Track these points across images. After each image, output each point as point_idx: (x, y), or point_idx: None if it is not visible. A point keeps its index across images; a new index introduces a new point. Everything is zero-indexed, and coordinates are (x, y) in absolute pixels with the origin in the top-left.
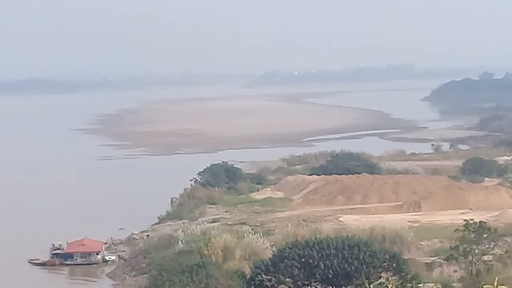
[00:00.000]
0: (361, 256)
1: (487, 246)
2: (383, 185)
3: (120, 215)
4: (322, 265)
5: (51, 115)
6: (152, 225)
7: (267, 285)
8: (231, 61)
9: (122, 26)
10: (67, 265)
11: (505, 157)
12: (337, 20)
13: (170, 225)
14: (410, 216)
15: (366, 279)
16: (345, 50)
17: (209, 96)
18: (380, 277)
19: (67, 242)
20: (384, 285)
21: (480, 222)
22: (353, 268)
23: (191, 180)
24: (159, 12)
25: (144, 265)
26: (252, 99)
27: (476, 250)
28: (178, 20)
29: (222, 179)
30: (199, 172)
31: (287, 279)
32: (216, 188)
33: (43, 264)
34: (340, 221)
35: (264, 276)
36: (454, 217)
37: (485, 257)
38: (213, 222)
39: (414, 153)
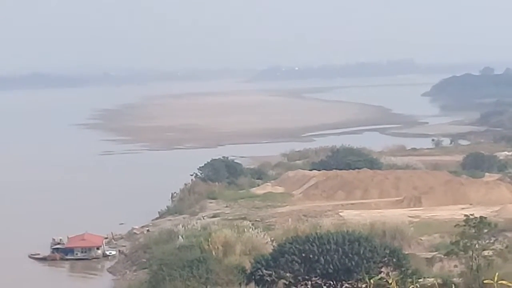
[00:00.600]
0: (362, 251)
1: (487, 241)
2: (383, 180)
3: (120, 210)
4: (323, 260)
5: (52, 110)
6: (152, 220)
7: (267, 280)
8: (232, 56)
9: (124, 21)
10: (67, 259)
11: (506, 152)
12: (337, 15)
13: (170, 220)
14: (411, 211)
15: (366, 274)
16: (345, 45)
17: (210, 91)
18: (380, 272)
19: (68, 237)
20: (385, 280)
21: (481, 217)
22: (353, 263)
23: (191, 175)
24: (160, 7)
25: (144, 260)
26: (253, 94)
27: (477, 245)
28: (180, 15)
29: (223, 174)
30: (200, 167)
31: (287, 274)
32: (216, 183)
33: (43, 259)
34: (341, 216)
35: (264, 271)
36: (455, 212)
37: (486, 252)
38: (213, 217)
39: (415, 148)
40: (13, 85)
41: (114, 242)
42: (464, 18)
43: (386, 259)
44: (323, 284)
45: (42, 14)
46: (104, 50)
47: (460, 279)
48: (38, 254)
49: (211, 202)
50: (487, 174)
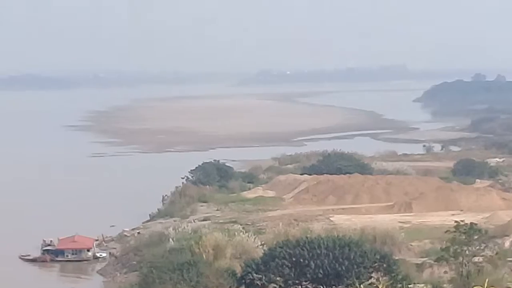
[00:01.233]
0: (352, 256)
1: (477, 247)
2: (374, 185)
3: (111, 212)
4: (313, 265)
5: (42, 112)
6: (143, 223)
7: (257, 284)
8: (223, 59)
9: (114, 24)
10: (58, 261)
11: (497, 159)
12: (329, 20)
13: (161, 222)
14: (401, 217)
15: (357, 279)
16: (337, 50)
17: (201, 94)
18: (370, 277)
19: (58, 239)
20: (375, 285)
21: (471, 223)
22: (343, 268)
23: (182, 178)
24: (150, 10)
25: (135, 263)
26: (244, 97)
27: (467, 252)
28: (170, 18)
29: (214, 178)
30: (191, 170)
31: (277, 278)
32: (207, 186)
33: (34, 260)
34: (331, 220)
35: (254, 275)
36: (445, 218)
37: (476, 259)
38: (204, 220)
39: (406, 153)
40: (2, 86)
41: (105, 244)
42: (456, 25)
43: (376, 264)
44: None
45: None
46: (94, 52)
47: (450, 285)
48: (29, 255)
49: (202, 206)
50: (477, 180)
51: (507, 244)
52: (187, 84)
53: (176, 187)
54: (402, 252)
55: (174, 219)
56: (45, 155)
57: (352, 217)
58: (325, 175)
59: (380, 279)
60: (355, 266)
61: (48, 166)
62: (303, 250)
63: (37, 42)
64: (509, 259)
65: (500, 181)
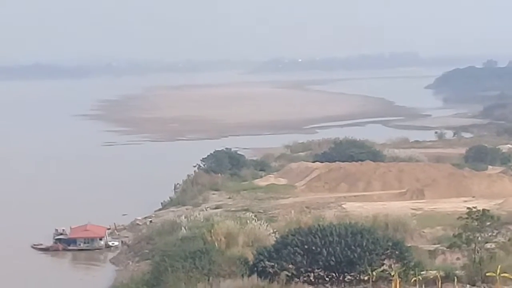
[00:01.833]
0: (364, 243)
1: (490, 234)
2: (386, 172)
3: (123, 201)
4: (325, 252)
5: (55, 101)
6: (155, 211)
7: (269, 272)
8: (235, 47)
9: (126, 12)
10: (70, 250)
11: (509, 145)
12: (341, 7)
13: (173, 211)
14: (413, 204)
15: (369, 266)
16: (348, 37)
17: (213, 83)
18: (383, 264)
19: (71, 228)
20: (387, 272)
21: (483, 210)
22: (356, 255)
23: (194, 166)
24: None
25: (147, 251)
26: (256, 85)
27: (479, 238)
28: (183, 7)
29: (226, 166)
30: (203, 158)
31: (289, 266)
32: (219, 174)
33: (46, 249)
34: (343, 208)
35: (267, 262)
36: (457, 205)
37: (488, 245)
38: (216, 208)
39: (418, 140)
40: (14, 75)
41: (117, 233)
42: (467, 11)
43: (388, 251)
44: (325, 276)
45: (44, 5)
46: (106, 41)
47: (463, 271)
48: (41, 244)
49: (214, 194)
50: (490, 167)
51: None
52: (199, 72)
53: (188, 176)
54: (414, 239)
55: (186, 207)
56: (57, 144)
57: (364, 204)
58: (337, 162)
59: (393, 266)
60: (367, 253)
61: (60, 155)
62: (315, 237)
63: (50, 31)
64: None
65: None
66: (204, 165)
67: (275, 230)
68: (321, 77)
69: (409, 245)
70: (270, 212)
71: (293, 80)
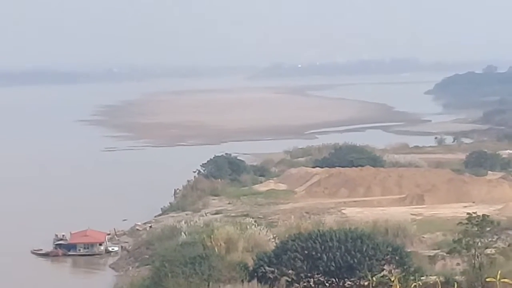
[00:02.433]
0: (364, 249)
1: (490, 239)
2: (386, 178)
3: (123, 206)
4: (325, 257)
5: (55, 106)
6: (155, 217)
7: (269, 277)
8: (235, 53)
9: (127, 18)
10: (70, 255)
11: (509, 151)
12: (340, 13)
13: (173, 216)
14: (413, 209)
15: (369, 271)
16: (348, 42)
17: (212, 88)
18: (383, 270)
19: (70, 233)
20: (387, 277)
21: (483, 215)
22: (355, 260)
23: (194, 172)
24: (164, 4)
25: (147, 256)
26: (255, 91)
27: (479, 243)
28: (183, 12)
29: (225, 171)
30: (203, 164)
31: (289, 271)
32: (219, 180)
33: (46, 255)
34: (343, 213)
35: (267, 268)
36: (457, 210)
37: (488, 251)
38: (216, 213)
39: (418, 146)
40: (15, 81)
41: (117, 238)
42: (467, 17)
43: (388, 256)
44: (325, 281)
45: (45, 10)
46: (107, 46)
47: (463, 277)
48: (41, 249)
49: (214, 199)
50: (490, 172)
51: None
52: (199, 78)
53: (188, 181)
54: (414, 244)
55: (186, 212)
56: (57, 149)
57: (364, 210)
58: (337, 167)
59: (393, 271)
60: (367, 259)
61: (61, 161)
62: (315, 243)
63: (50, 37)
64: None
65: None
66: (204, 170)
67: (275, 236)
68: (321, 82)
69: (409, 250)
70: (270, 218)
71: (293, 86)
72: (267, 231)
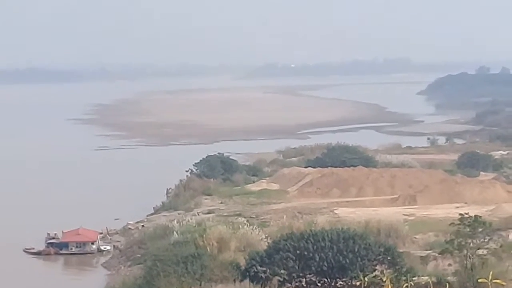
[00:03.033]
0: (356, 249)
1: (482, 240)
2: (378, 178)
3: (115, 205)
4: (317, 257)
5: (48, 105)
6: (147, 216)
7: (261, 277)
8: (228, 52)
9: (120, 17)
10: (62, 254)
11: (501, 152)
12: (334, 13)
13: (165, 215)
14: (406, 210)
15: (361, 271)
16: (341, 43)
17: (206, 88)
18: (375, 270)
19: (62, 232)
20: (379, 278)
21: (475, 216)
22: (348, 260)
23: (187, 171)
24: (157, 3)
25: (139, 256)
26: (249, 90)
27: (471, 244)
28: (177, 11)
29: (218, 171)
30: (195, 163)
31: (282, 271)
32: (211, 179)
33: (38, 253)
34: (336, 213)
35: (259, 267)
36: (449, 211)
37: (480, 251)
38: (208, 213)
39: (410, 146)
40: (8, 79)
41: (109, 237)
42: (460, 17)
43: (380, 257)
44: (317, 281)
45: (39, 8)
46: (101, 45)
47: (455, 277)
48: (33, 248)
49: (206, 199)
50: (482, 173)
51: (511, 236)
52: (192, 77)
53: (181, 180)
54: (406, 244)
55: (178, 212)
56: (49, 148)
57: (357, 210)
58: (329, 168)
59: (385, 271)
60: (360, 259)
61: (53, 159)
62: (307, 243)
63: (44, 35)
64: None
65: (504, 173)
66: (196, 170)
67: (267, 235)
68: (314, 82)
69: (401, 251)
70: (262, 217)
71: (286, 85)
72: (259, 231)
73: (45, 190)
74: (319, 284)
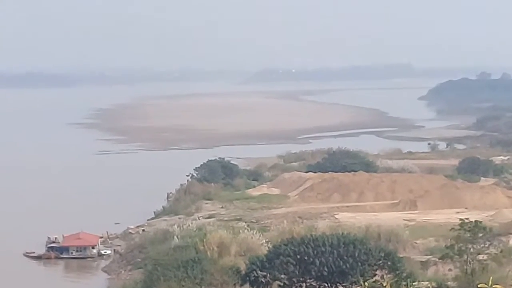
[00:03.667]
0: (356, 254)
1: (482, 245)
2: (379, 183)
3: (116, 209)
4: (318, 262)
5: (48, 109)
6: (148, 220)
7: (262, 281)
8: (228, 57)
9: (120, 22)
10: (62, 258)
11: (501, 157)
12: (334, 18)
13: (166, 220)
14: (406, 215)
15: (361, 276)
16: (342, 48)
17: (206, 92)
18: (375, 275)
19: (63, 236)
20: (379, 283)
21: (476, 221)
22: (348, 265)
23: (187, 176)
24: (157, 8)
25: (139, 260)
26: (249, 95)
27: (471, 249)
28: (176, 17)
29: (219, 175)
30: (196, 167)
31: (282, 276)
32: (212, 184)
33: (38, 257)
34: (336, 218)
35: (259, 272)
36: (450, 216)
37: (480, 256)
38: (209, 217)
39: (411, 151)
40: (7, 83)
41: (109, 241)
42: (461, 23)
43: (381, 262)
44: (317, 286)
45: (38, 13)
46: (100, 50)
47: (455, 283)
48: (33, 252)
49: (206, 203)
50: (482, 178)
51: (511, 242)
52: (192, 82)
53: (181, 185)
54: (406, 249)
55: (178, 216)
56: (50, 152)
57: (357, 215)
58: (330, 172)
59: (385, 276)
60: (360, 264)
61: (54, 164)
62: (307, 247)
63: (43, 40)
64: None
65: (505, 179)
66: (197, 174)
67: (267, 240)
68: (315, 87)
69: (401, 256)
70: (262, 222)
71: (286, 90)
72: (259, 236)
73: (45, 194)
74: None
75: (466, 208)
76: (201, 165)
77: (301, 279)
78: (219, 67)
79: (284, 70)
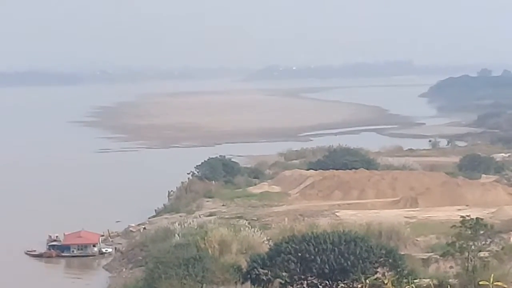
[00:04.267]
0: (358, 251)
1: (483, 242)
2: (380, 180)
3: (117, 207)
4: (319, 260)
5: (49, 107)
6: (149, 218)
7: (263, 279)
8: (230, 55)
9: (122, 19)
10: (63, 257)
11: (502, 154)
12: (335, 15)
13: (167, 218)
14: (407, 212)
15: (362, 274)
16: (343, 45)
17: (207, 90)
18: (376, 272)
19: (64, 234)
20: (380, 280)
21: (477, 218)
22: (349, 263)
23: (188, 174)
24: (158, 5)
25: (140, 258)
26: (250, 93)
27: (473, 247)
28: (178, 14)
29: (220, 173)
30: (197, 165)
31: (283, 273)
32: (213, 181)
33: (39, 256)
34: (337, 216)
35: (260, 270)
36: (451, 213)
37: (481, 254)
38: (210, 215)
39: (412, 149)
40: (8, 81)
41: (111, 239)
42: (462, 20)
43: (382, 259)
44: (319, 283)
45: (39, 11)
46: (101, 48)
47: (456, 280)
48: (34, 250)
49: (207, 201)
50: (483, 175)
51: None
52: (193, 79)
53: (182, 183)
54: (408, 247)
55: (180, 214)
56: (51, 150)
57: (358, 212)
58: (331, 170)
59: (386, 274)
60: (361, 261)
61: (55, 162)
62: (308, 245)
63: (45, 38)
64: None
65: (506, 176)
66: (198, 172)
67: (268, 238)
68: (316, 85)
69: (402, 253)
70: (263, 220)
71: (287, 88)
72: (261, 233)
73: (46, 192)
74: (320, 287)
75: (467, 205)
76: (202, 163)
77: (302, 276)
78: (221, 65)
79: (285, 67)
